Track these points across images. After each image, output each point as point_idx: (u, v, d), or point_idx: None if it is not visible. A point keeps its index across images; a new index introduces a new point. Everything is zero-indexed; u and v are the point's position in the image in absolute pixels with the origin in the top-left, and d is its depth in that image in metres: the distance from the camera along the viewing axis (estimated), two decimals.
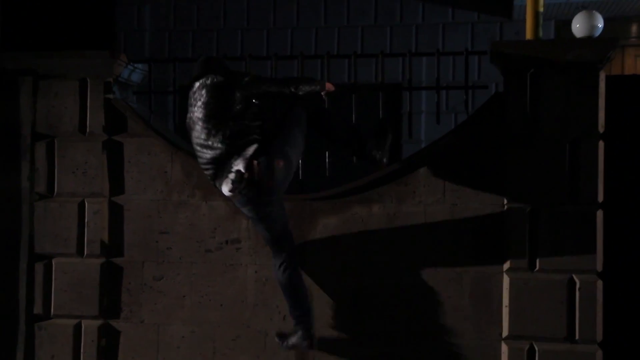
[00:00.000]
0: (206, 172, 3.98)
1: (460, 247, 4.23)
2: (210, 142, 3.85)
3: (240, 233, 4.49)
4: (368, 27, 10.01)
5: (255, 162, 3.77)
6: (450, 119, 9.58)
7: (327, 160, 4.57)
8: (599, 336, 4.04)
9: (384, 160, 4.13)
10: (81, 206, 4.65)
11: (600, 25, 4.10)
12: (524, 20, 9.47)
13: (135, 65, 4.85)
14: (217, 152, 3.84)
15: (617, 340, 4.13)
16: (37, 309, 4.68)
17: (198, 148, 3.94)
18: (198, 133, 3.89)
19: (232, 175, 3.81)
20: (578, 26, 4.13)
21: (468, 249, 4.22)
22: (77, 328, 4.64)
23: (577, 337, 4.06)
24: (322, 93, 4.11)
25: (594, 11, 4.11)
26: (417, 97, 9.35)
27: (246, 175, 3.76)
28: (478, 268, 4.21)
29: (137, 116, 4.67)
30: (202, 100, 3.87)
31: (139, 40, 10.58)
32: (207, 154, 3.89)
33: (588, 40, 4.05)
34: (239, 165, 3.78)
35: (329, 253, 4.39)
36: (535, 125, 4.10)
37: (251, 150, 3.79)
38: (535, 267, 4.09)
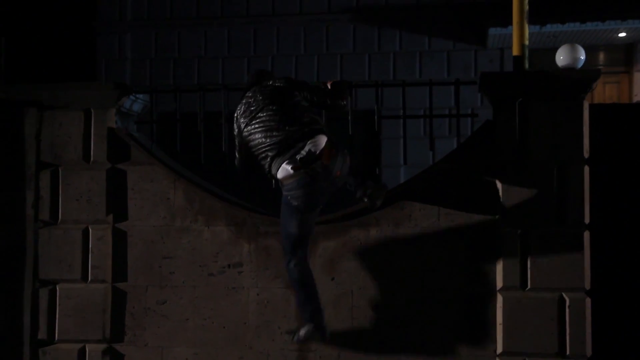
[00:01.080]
0: (267, 153, 4.04)
1: (455, 268, 4.43)
2: (281, 125, 4.01)
3: (242, 257, 4.65)
4: (347, 55, 10.30)
5: (333, 150, 3.95)
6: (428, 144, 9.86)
7: None
8: (589, 351, 4.26)
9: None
10: (85, 232, 4.77)
11: (583, 57, 4.37)
12: (498, 49, 9.96)
13: (137, 95, 5.01)
14: (289, 134, 3.98)
15: (605, 355, 4.36)
16: (42, 334, 4.77)
17: (262, 130, 4.05)
18: (267, 118, 4.05)
19: (301, 155, 3.93)
20: (562, 58, 4.39)
21: (463, 270, 4.42)
22: (82, 352, 4.73)
23: (567, 352, 4.27)
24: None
25: (576, 44, 4.38)
26: (396, 123, 9.63)
27: (325, 161, 3.91)
28: (472, 287, 4.41)
29: (140, 145, 4.81)
30: (268, 95, 4.11)
31: (120, 68, 10.72)
32: (275, 137, 4.01)
33: (572, 71, 4.32)
34: (310, 147, 3.94)
35: (327, 274, 4.56)
36: (524, 151, 4.34)
37: (323, 139, 3.98)
38: (527, 285, 4.31)
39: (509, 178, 4.35)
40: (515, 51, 4.59)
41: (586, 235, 4.27)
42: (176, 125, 4.97)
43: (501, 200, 4.36)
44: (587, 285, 4.27)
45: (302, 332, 4.21)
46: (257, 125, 4.08)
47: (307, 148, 3.94)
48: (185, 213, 4.73)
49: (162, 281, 4.72)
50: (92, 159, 4.79)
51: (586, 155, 4.29)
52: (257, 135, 4.08)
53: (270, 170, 4.08)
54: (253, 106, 4.14)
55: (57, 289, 4.78)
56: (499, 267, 4.36)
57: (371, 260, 4.53)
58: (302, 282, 4.18)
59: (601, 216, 4.37)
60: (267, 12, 10.51)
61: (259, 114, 4.09)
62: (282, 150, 3.99)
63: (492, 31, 9.20)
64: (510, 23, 8.96)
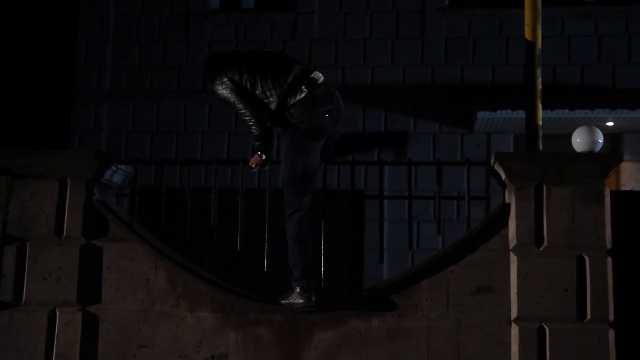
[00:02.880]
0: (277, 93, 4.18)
1: None
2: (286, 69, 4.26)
3: (228, 347, 4.17)
4: None
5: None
6: (412, 227, 9.57)
7: (322, 269, 4.36)
8: None
9: None
10: (51, 316, 4.27)
11: (601, 140, 4.12)
12: (484, 133, 9.78)
13: (119, 166, 4.61)
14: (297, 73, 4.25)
15: None
16: None
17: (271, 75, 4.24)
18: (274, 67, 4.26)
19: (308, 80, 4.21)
20: (579, 141, 4.14)
21: None
22: None
23: None
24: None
25: (594, 127, 4.14)
26: (375, 204, 9.34)
27: (327, 85, 4.28)
28: None
29: (120, 219, 4.38)
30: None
31: (95, 140, 10.32)
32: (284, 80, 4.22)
33: (593, 155, 4.05)
34: (314, 75, 4.23)
35: None
36: (540, 238, 4.00)
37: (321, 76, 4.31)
38: None
39: (524, 267, 3.99)
40: (527, 132, 4.32)
41: (610, 333, 3.89)
42: (160, 198, 4.55)
43: (516, 291, 3.98)
44: None
45: (287, 298, 4.11)
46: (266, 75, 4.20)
47: (312, 76, 4.17)
48: (167, 296, 4.27)
49: None
50: (64, 233, 4.34)
51: (608, 245, 3.96)
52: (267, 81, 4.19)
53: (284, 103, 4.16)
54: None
55: None
56: None
57: (372, 355, 4.09)
58: (299, 237, 4.07)
59: (627, 313, 4.00)
60: None
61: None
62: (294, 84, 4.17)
63: (481, 115, 9.03)
64: (500, 108, 8.91)
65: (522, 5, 10.06)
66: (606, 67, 9.69)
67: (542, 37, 9.87)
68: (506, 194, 4.14)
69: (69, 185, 4.39)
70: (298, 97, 4.12)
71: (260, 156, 4.26)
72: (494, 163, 4.13)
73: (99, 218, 4.37)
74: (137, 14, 10.66)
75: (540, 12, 4.38)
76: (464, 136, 9.85)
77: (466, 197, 4.29)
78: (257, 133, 4.17)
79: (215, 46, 10.45)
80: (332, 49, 10.20)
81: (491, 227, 4.12)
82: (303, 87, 4.13)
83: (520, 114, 8.95)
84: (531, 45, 4.34)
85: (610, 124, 9.11)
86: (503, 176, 4.13)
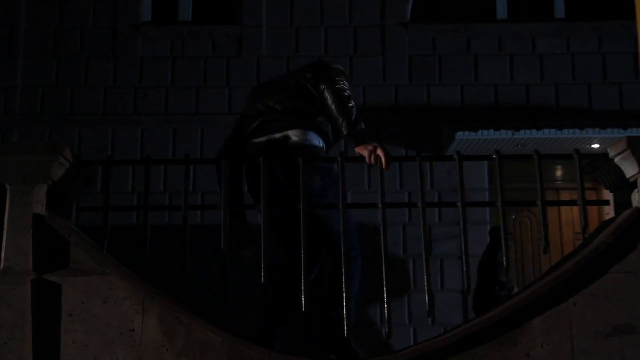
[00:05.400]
0: None
1: None
2: None
3: None
4: None
5: None
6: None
7: (386, 311, 3.10)
8: None
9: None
10: None
11: None
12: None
13: (80, 167, 3.22)
14: None
15: None
16: None
17: None
18: None
19: None
20: None
21: None
22: None
23: None
24: None
25: None
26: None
27: None
28: None
29: (86, 243, 2.98)
30: None
31: None
32: None
33: None
34: None
35: None
36: None
37: None
38: None
39: None
40: None
41: None
42: (145, 214, 3.18)
43: None
44: None
45: None
46: None
47: None
48: (161, 354, 2.88)
49: None
50: (2, 264, 2.90)
51: None
52: None
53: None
54: None
55: None
56: None
57: None
58: None
59: None
60: (190, 110, 8.96)
61: None
62: None
63: (459, 135, 8.05)
64: (482, 127, 7.93)
65: (490, 21, 9.30)
66: (581, 88, 8.99)
67: (512, 55, 9.26)
68: (635, 195, 3.04)
69: (8, 193, 2.96)
70: None
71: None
72: (621, 152, 3.04)
73: (55, 242, 2.96)
74: (54, 25, 9.18)
75: None
76: (434, 163, 8.82)
77: (581, 200, 3.14)
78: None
79: (147, 62, 9.11)
80: (283, 66, 9.02)
81: (623, 241, 2.99)
82: None
83: (503, 134, 8.06)
84: None
85: (596, 146, 8.34)
86: (633, 170, 3.04)
